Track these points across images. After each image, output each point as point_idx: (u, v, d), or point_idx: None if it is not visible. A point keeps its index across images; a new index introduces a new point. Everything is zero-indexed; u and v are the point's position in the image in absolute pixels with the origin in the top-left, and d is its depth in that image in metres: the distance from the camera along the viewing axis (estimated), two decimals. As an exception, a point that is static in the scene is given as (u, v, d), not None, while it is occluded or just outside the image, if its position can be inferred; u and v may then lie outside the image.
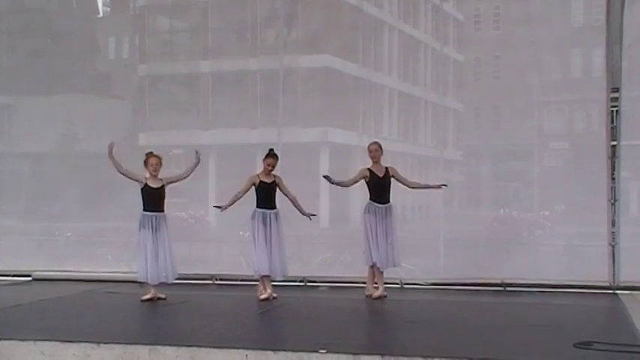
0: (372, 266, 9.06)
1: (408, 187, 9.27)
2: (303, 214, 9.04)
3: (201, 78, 13.45)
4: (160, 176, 8.97)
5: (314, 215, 9.10)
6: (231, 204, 8.87)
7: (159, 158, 8.94)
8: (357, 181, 9.03)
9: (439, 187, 9.23)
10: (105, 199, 11.46)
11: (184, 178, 9.17)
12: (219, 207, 8.90)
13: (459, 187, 11.90)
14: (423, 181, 10.53)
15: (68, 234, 11.82)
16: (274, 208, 8.96)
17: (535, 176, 10.88)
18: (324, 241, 11.18)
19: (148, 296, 8.89)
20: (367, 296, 9.13)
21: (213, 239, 11.72)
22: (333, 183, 8.88)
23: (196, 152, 8.92)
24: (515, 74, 11.13)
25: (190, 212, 12.15)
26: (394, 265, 9.15)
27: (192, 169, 9.10)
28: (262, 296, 8.85)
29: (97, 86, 12.64)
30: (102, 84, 12.73)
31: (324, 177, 8.82)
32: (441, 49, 11.41)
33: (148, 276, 8.81)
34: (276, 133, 11.65)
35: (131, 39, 12.92)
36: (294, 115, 12.03)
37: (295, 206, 9.08)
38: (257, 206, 8.93)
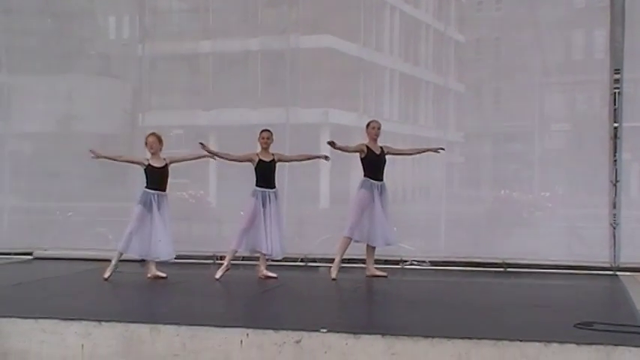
0: (368, 246, 9.09)
1: (408, 154, 9.39)
2: (318, 156, 9.07)
3: (202, 58, 13.35)
4: (162, 156, 8.99)
5: (327, 158, 9.10)
6: (217, 154, 9.06)
7: (156, 137, 8.98)
8: (356, 151, 9.04)
9: (436, 150, 9.23)
10: (106, 180, 11.44)
11: (188, 160, 9.21)
12: (202, 144, 8.93)
13: (460, 168, 11.87)
14: (424, 163, 10.52)
15: (69, 213, 11.82)
16: (273, 187, 8.96)
17: (536, 158, 10.82)
18: (324, 222, 11.16)
19: (149, 274, 8.96)
20: (368, 276, 9.14)
21: (214, 219, 11.71)
22: (336, 148, 8.86)
23: (202, 144, 8.92)
24: (517, 55, 11.05)
25: (191, 192, 12.13)
26: (389, 244, 9.14)
27: (198, 158, 9.13)
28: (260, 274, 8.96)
29: (97, 66, 12.56)
30: (102, 64, 12.65)
31: (328, 143, 8.83)
32: (445, 29, 11.31)
33: (127, 247, 8.86)
34: (276, 113, 11.60)
35: (131, 19, 12.83)
36: (295, 95, 11.95)
37: (308, 158, 9.24)
38: (256, 185, 8.93)
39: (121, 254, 8.94)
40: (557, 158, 10.90)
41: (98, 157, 9.01)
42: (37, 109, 12.18)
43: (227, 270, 8.98)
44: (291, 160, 9.45)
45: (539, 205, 10.84)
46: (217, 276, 8.93)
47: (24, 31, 12.15)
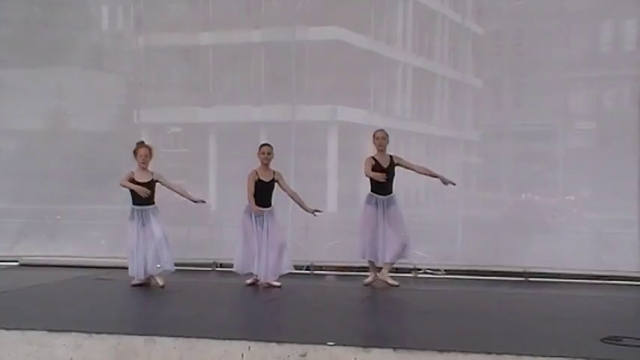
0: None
1: (418, 172, 9.29)
2: (307, 210, 9.06)
3: (202, 51, 13.35)
4: (150, 168, 8.99)
5: (319, 212, 9.11)
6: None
7: (149, 149, 8.99)
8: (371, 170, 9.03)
9: (446, 183, 9.16)
10: (98, 181, 11.43)
11: (176, 193, 9.18)
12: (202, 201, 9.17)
13: (478, 169, 11.84)
14: (439, 164, 10.47)
15: (58, 217, 11.82)
16: (269, 206, 9.01)
17: (560, 158, 10.78)
18: (332, 227, 11.13)
19: (135, 281, 8.99)
20: (379, 280, 9.14)
21: (214, 223, 11.70)
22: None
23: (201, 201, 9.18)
24: (540, 48, 11.00)
25: (190, 194, 12.09)
26: (401, 258, 9.19)
27: (185, 196, 9.11)
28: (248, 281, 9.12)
29: (89, 59, 12.54)
30: (94, 57, 12.63)
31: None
32: (462, 20, 11.28)
33: (130, 269, 9.05)
34: (281, 111, 11.59)
35: (125, 8, 12.82)
36: (301, 91, 11.94)
37: (297, 202, 9.11)
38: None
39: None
40: (582, 159, 10.84)
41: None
42: (23, 105, 12.17)
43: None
44: (288, 193, 9.28)
45: (564, 210, 10.79)
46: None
47: (9, 21, 12.16)
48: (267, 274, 8.95)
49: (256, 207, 8.88)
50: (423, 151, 12.61)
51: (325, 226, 9.95)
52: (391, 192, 9.13)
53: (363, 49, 12.85)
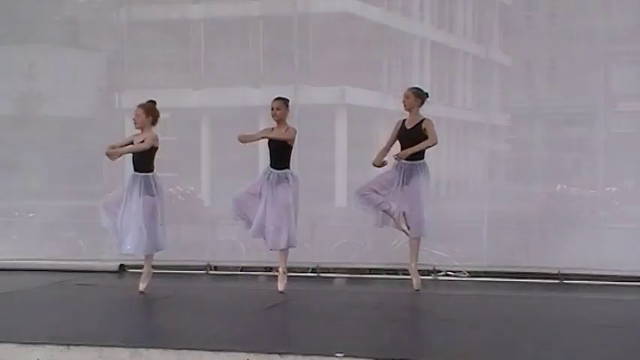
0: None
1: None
2: None
3: (192, 26, 13.37)
4: (146, 131, 8.94)
5: None
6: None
7: (142, 108, 8.95)
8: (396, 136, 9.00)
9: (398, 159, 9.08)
10: (76, 173, 11.46)
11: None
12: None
13: (506, 157, 11.83)
14: (461, 151, 10.46)
15: (30, 214, 11.85)
16: (282, 168, 8.90)
17: (600, 144, 10.78)
18: (341, 224, 11.15)
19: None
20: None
21: (207, 220, 11.73)
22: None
23: None
24: (576, 18, 10.99)
25: (179, 188, 12.13)
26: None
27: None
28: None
29: (64, 35, 12.59)
30: (70, 32, 12.68)
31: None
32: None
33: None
34: (283, 93, 11.53)
35: (105, -23, 12.86)
36: (306, 71, 11.96)
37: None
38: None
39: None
40: (626, 145, 10.84)
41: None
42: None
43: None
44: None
45: (604, 203, 10.79)
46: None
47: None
48: (272, 244, 8.91)
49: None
50: (444, 138, 12.57)
51: (333, 223, 9.95)
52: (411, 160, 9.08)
53: (375, 22, 12.86)
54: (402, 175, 8.94)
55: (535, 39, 11.59)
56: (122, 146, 8.84)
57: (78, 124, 12.16)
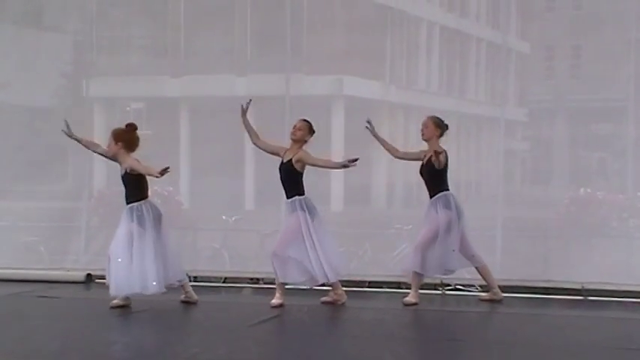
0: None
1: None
2: (345, 165, 8.91)
3: (171, 5, 13.38)
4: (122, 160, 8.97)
5: (355, 160, 8.93)
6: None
7: (112, 133, 8.99)
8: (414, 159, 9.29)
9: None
10: (35, 170, 11.44)
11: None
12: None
13: (523, 157, 11.86)
14: (473, 151, 10.47)
15: (-16, 217, 11.85)
16: (289, 196, 8.98)
17: (629, 143, 10.81)
18: (337, 230, 11.14)
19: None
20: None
21: (186, 225, 11.72)
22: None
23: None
24: (604, 1, 11.02)
25: (155, 188, 12.09)
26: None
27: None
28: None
29: (24, 14, 12.55)
30: (32, 11, 12.64)
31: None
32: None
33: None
34: (273, 82, 11.62)
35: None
36: (299, 57, 11.97)
37: (331, 167, 9.36)
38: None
39: None
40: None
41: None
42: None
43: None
44: (319, 165, 9.31)
45: (634, 210, 10.81)
46: None
47: None
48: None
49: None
50: (454, 134, 12.59)
51: (329, 229, 9.93)
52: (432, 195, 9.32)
53: (378, 3, 12.88)
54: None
55: (557, 23, 11.61)
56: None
57: (39, 113, 12.15)
